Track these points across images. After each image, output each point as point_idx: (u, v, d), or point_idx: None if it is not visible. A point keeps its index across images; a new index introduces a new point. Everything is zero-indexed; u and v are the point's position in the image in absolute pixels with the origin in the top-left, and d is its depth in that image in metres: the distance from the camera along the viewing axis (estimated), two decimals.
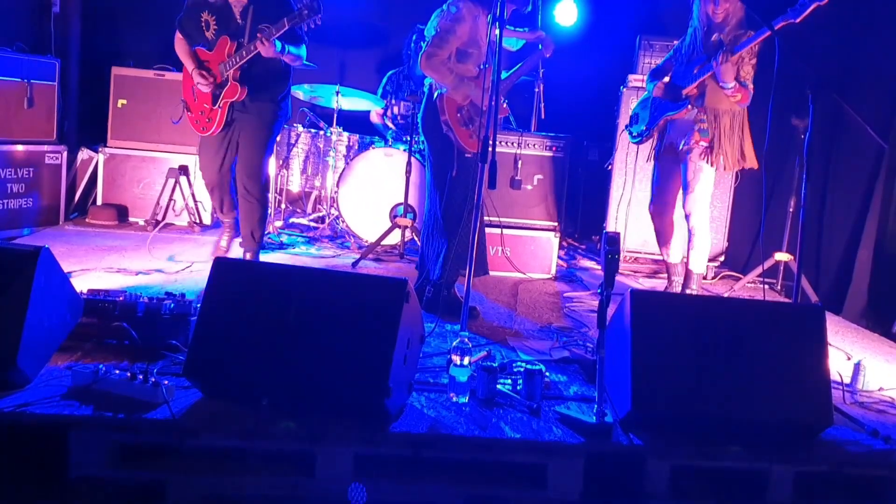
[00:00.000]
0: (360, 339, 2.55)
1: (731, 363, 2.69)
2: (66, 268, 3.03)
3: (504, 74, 4.12)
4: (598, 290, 2.72)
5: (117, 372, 2.65)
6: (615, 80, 6.12)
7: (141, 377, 2.58)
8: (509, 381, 3.02)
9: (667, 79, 4.50)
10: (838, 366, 3.50)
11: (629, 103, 5.79)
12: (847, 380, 3.33)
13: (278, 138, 5.97)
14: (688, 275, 4.55)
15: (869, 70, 4.84)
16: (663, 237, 4.69)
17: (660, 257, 4.93)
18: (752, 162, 4.34)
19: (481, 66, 4.01)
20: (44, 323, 2.65)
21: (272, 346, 2.59)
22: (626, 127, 4.83)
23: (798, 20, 3.78)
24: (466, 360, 2.80)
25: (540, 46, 4.22)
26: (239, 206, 4.51)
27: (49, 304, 2.69)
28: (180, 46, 4.38)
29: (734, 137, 4.32)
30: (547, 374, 3.07)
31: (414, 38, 6.34)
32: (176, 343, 3.01)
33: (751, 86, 4.20)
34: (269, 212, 5.98)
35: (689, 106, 4.30)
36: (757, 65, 4.21)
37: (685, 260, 4.60)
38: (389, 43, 7.37)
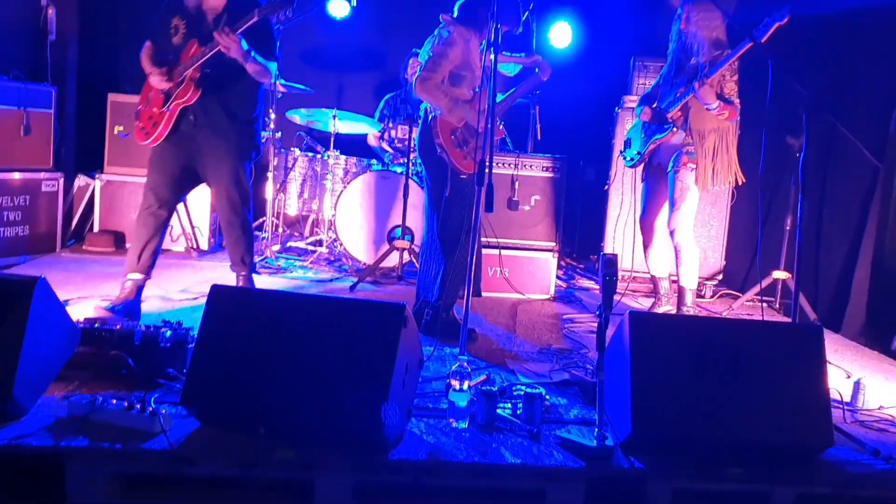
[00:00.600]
0: (358, 365, 2.53)
1: (731, 384, 2.68)
2: (62, 296, 3.03)
3: (499, 97, 4.15)
4: (597, 313, 2.71)
5: (114, 402, 2.62)
6: (610, 101, 6.16)
7: (138, 406, 2.56)
8: (509, 405, 3.00)
9: (655, 104, 4.59)
10: (838, 384, 3.48)
11: (624, 124, 5.83)
12: (847, 398, 3.32)
13: (275, 161, 6.00)
14: (680, 292, 4.61)
15: (862, 89, 4.86)
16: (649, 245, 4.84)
17: None
18: (739, 177, 4.45)
19: (476, 89, 4.05)
20: (40, 353, 2.64)
21: (270, 373, 2.58)
22: (621, 152, 4.93)
23: (763, 40, 3.86)
24: (466, 385, 2.79)
25: (537, 70, 4.26)
26: (225, 236, 4.23)
27: (45, 335, 2.67)
28: (144, 53, 4.07)
29: (722, 155, 4.41)
30: (547, 397, 3.05)
31: (410, 61, 6.38)
32: (173, 371, 3.00)
33: (736, 100, 4.31)
34: (256, 234, 6.01)
35: (675, 129, 4.40)
36: (740, 80, 4.31)
37: (675, 278, 4.65)
38: (386, 66, 7.41)
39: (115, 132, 6.08)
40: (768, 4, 3.95)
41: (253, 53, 3.83)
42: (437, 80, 3.97)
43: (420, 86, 3.96)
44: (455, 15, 4.08)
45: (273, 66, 4.03)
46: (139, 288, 4.04)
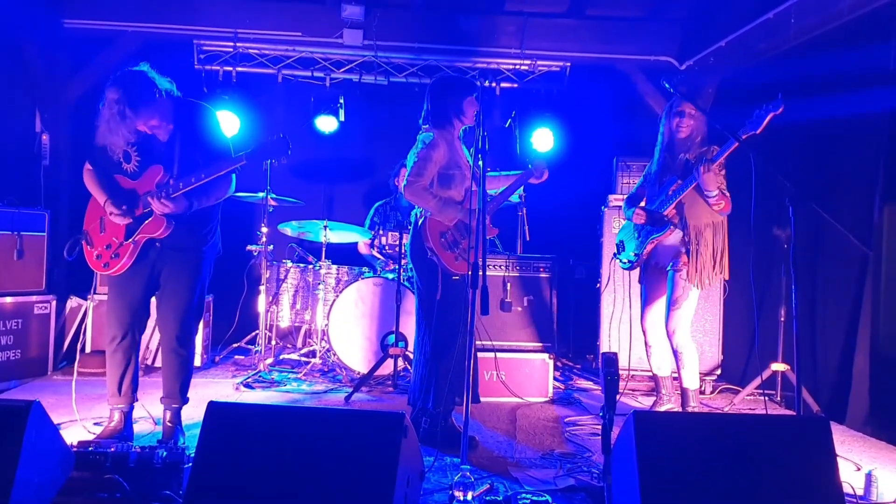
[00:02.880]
0: (359, 481, 2.48)
1: (741, 482, 2.63)
2: (55, 419, 2.97)
3: (492, 192, 4.22)
4: (600, 414, 2.68)
5: None
6: (596, 201, 6.27)
7: None
8: None
9: (643, 203, 4.64)
10: (849, 477, 3.42)
11: (611, 222, 5.92)
12: (860, 492, 3.27)
13: (266, 274, 6.02)
14: (684, 393, 4.55)
15: (845, 178, 4.95)
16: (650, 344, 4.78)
17: None
18: (726, 273, 4.47)
19: (467, 189, 4.11)
20: (34, 481, 2.57)
21: (269, 492, 2.51)
22: (615, 255, 4.91)
23: (759, 130, 3.95)
24: (469, 496, 2.72)
25: (530, 165, 4.29)
26: (166, 362, 3.94)
27: (39, 461, 2.61)
28: (89, 178, 3.84)
29: (717, 250, 4.44)
30: None
31: (400, 170, 6.51)
32: (170, 493, 2.92)
33: (727, 194, 4.36)
34: (249, 348, 5.95)
35: (673, 226, 4.42)
36: (725, 172, 4.40)
37: (677, 378, 4.60)
38: (375, 175, 7.57)
39: None
40: (743, 108, 4.07)
41: (194, 203, 3.73)
42: (425, 183, 4.05)
43: (408, 190, 4.05)
44: (431, 122, 4.19)
45: (232, 183, 3.90)
46: (126, 415, 3.94)
